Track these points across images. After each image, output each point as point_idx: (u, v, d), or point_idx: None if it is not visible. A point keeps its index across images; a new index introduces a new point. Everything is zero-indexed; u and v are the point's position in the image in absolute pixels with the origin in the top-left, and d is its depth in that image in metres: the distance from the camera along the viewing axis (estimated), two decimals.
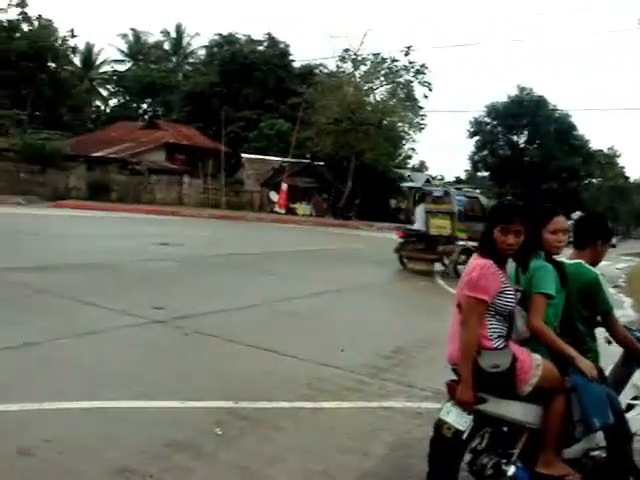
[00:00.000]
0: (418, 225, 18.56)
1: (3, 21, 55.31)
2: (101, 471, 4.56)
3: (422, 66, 53.38)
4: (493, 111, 71.51)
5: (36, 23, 55.53)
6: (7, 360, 6.84)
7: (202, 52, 72.46)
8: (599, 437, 4.30)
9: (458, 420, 3.97)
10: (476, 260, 4.09)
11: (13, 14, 55.42)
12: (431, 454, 4.11)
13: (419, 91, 55.02)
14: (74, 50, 61.09)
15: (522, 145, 72.44)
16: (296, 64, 61.83)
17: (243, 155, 51.65)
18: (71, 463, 4.64)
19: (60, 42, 56.30)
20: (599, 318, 4.54)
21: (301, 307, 11.65)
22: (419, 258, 18.36)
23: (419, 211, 18.82)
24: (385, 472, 4.98)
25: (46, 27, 55.31)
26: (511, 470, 4.05)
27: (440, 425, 4.04)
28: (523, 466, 4.11)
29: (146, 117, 67.63)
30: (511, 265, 4.24)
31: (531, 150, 70.79)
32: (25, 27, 55.22)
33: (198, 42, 75.70)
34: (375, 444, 5.49)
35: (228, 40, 63.91)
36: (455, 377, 4.16)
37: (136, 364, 7.25)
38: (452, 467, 4.02)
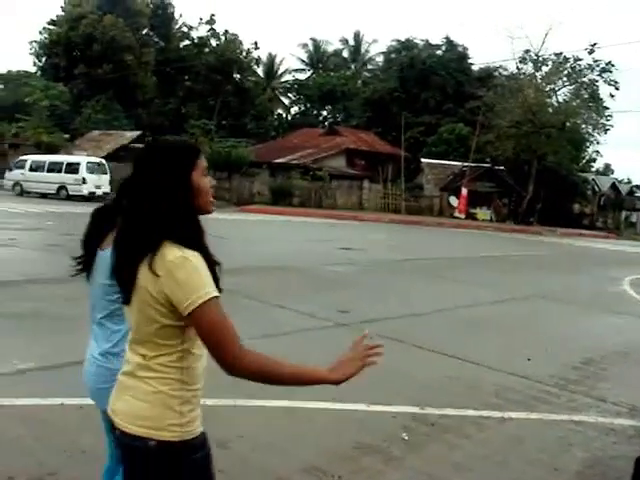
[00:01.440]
0: None
1: (194, 38, 58.52)
2: (292, 469, 4.71)
3: (608, 64, 51.04)
4: None
5: (223, 38, 58.17)
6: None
7: (380, 58, 73.25)
8: None
9: None
10: None
11: (203, 31, 58.58)
12: (636, 476, 3.85)
13: (604, 90, 52.65)
14: (257, 61, 63.52)
15: None
16: (475, 67, 61.08)
17: (422, 160, 51.47)
18: (263, 459, 4.83)
19: (244, 54, 58.68)
20: None
21: (485, 314, 11.49)
22: None
23: None
24: None
25: (232, 41, 57.86)
26: None
27: None
28: None
29: (326, 124, 68.95)
30: None
31: None
32: (213, 42, 58.03)
33: (376, 49, 76.60)
34: (566, 459, 5.32)
35: (406, 45, 64.08)
36: None
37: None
38: None
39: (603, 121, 51.58)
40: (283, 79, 75.67)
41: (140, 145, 42.63)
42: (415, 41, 64.05)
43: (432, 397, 6.54)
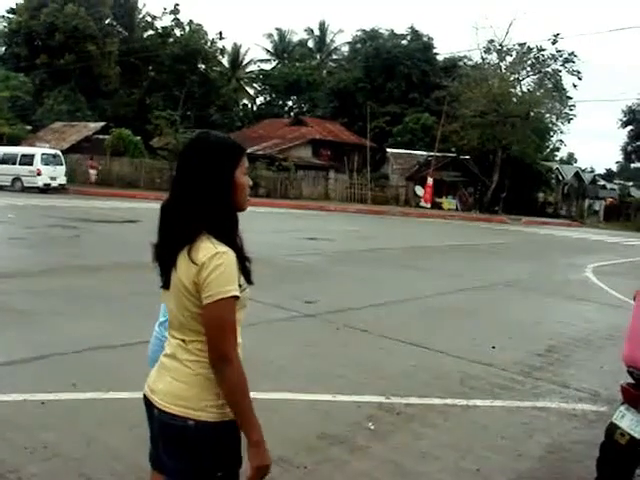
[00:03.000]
0: None
1: (158, 28, 57.97)
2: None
3: (571, 54, 51.52)
4: None
5: (187, 28, 57.69)
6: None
7: (345, 48, 73.05)
8: None
9: (633, 427, 3.76)
10: None
11: (167, 21, 58.05)
12: (601, 460, 3.93)
13: (567, 80, 53.19)
14: (222, 51, 62.93)
15: None
16: (440, 57, 61.08)
17: (388, 150, 51.57)
18: None
19: (209, 44, 58.19)
20: None
21: (450, 303, 11.57)
22: None
23: None
24: (541, 475, 4.88)
25: (196, 31, 57.34)
26: None
27: (613, 430, 3.84)
28: None
29: (292, 114, 68.78)
30: None
31: None
32: (177, 32, 57.52)
33: (341, 39, 76.68)
34: (530, 445, 5.38)
35: (371, 35, 64.01)
36: (631, 379, 3.95)
37: (289, 357, 7.42)
38: (624, 476, 3.83)
39: (566, 111, 52.16)
40: (248, 69, 75.20)
41: (105, 136, 42.41)
42: (380, 31, 64.04)
43: (398, 386, 6.57)
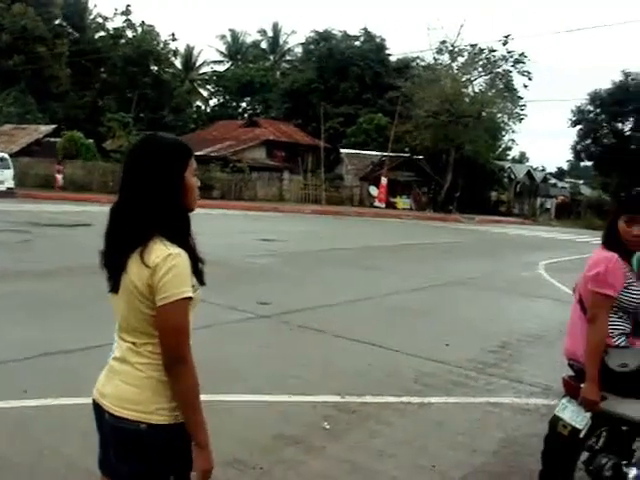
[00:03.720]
0: None
1: (110, 29, 57.38)
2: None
3: (521, 55, 52.19)
4: (596, 98, 69.15)
5: (139, 29, 57.26)
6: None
7: (299, 49, 73.07)
8: None
9: (575, 418, 3.83)
10: (601, 254, 3.87)
11: (119, 22, 57.54)
12: (545, 452, 4.00)
13: (518, 81, 53.88)
14: (175, 53, 62.67)
15: (628, 133, 69.69)
16: (393, 58, 61.51)
17: (342, 150, 51.72)
18: None
19: (162, 46, 57.84)
20: None
21: (405, 302, 11.62)
22: None
23: None
24: (495, 469, 4.93)
25: (148, 32, 56.97)
26: (632, 473, 3.89)
27: (555, 422, 3.92)
28: None
29: (245, 115, 68.61)
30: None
31: (638, 138, 68.21)
32: (129, 34, 57.04)
33: (295, 40, 76.70)
34: (484, 440, 5.44)
35: (324, 37, 64.14)
36: (572, 372, 4.03)
37: (244, 358, 7.38)
38: (567, 466, 3.91)
39: (518, 110, 52.86)
40: (201, 71, 74.87)
41: (56, 139, 41.77)
42: (333, 32, 64.21)
43: (353, 385, 6.58)
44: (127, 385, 2.46)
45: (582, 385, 3.83)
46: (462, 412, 6.14)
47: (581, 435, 3.82)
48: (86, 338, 7.18)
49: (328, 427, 5.46)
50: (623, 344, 3.85)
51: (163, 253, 2.35)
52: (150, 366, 2.44)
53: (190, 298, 2.38)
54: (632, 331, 3.90)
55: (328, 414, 5.73)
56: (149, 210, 2.39)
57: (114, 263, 2.46)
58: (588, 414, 3.81)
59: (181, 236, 2.46)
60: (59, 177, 38.63)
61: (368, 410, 5.96)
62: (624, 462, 3.98)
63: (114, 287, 2.48)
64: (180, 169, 2.46)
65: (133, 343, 2.47)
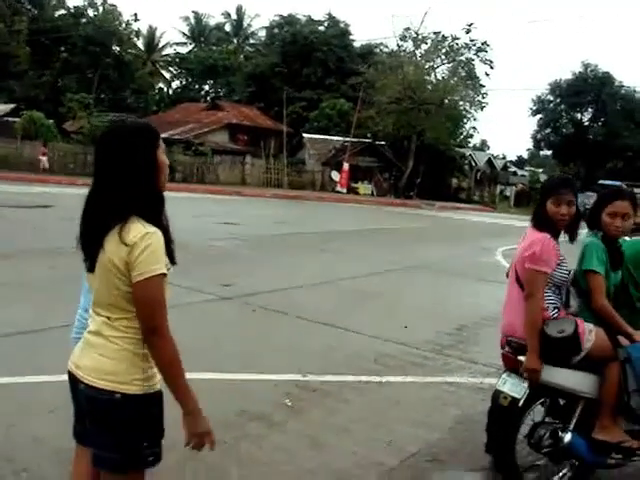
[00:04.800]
0: None
1: (70, 7, 56.55)
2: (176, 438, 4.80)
3: (484, 44, 52.67)
4: (556, 89, 70.00)
5: (101, 8, 56.55)
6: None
7: (262, 33, 72.88)
8: None
9: (514, 389, 4.12)
10: (534, 234, 4.20)
11: (79, 0, 56.82)
12: (489, 424, 4.29)
13: (481, 69, 54.52)
14: (137, 34, 62.11)
15: (586, 123, 70.78)
16: (356, 44, 61.69)
17: (305, 135, 51.78)
18: None
19: (124, 26, 57.24)
20: None
21: (365, 285, 11.82)
22: None
23: None
24: (450, 444, 5.13)
25: (110, 12, 56.33)
26: (567, 437, 4.18)
27: (497, 395, 4.21)
28: (580, 434, 4.23)
29: (208, 98, 68.28)
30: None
31: (595, 128, 69.13)
32: (91, 12, 56.33)
33: (258, 23, 76.67)
34: (440, 417, 5.65)
35: (288, 21, 63.99)
36: (509, 348, 4.30)
37: (207, 339, 7.50)
38: (510, 434, 4.19)
39: (479, 98, 53.33)
40: (164, 52, 74.27)
41: (15, 119, 41.13)
42: (297, 16, 64.10)
43: (314, 365, 6.75)
44: (103, 357, 2.60)
45: (520, 358, 4.14)
46: (419, 391, 6.35)
47: (520, 404, 4.11)
48: (48, 318, 7.23)
49: (289, 404, 5.63)
50: (556, 316, 4.18)
51: (141, 232, 2.49)
52: (125, 339, 2.59)
53: (164, 274, 2.52)
54: (562, 304, 4.25)
55: (289, 392, 5.90)
56: (125, 191, 2.52)
57: (91, 243, 2.59)
58: (526, 384, 4.11)
59: (156, 215, 2.60)
60: (44, 159, 37.87)
61: (328, 388, 6.13)
62: (559, 426, 4.28)
63: (91, 267, 2.62)
64: (151, 150, 2.60)
65: (108, 317, 2.60)
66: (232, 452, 4.66)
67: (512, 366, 4.23)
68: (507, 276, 4.49)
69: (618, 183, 33.46)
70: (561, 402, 4.43)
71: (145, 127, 2.68)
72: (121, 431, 2.58)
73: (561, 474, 4.42)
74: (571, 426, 4.25)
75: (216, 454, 4.57)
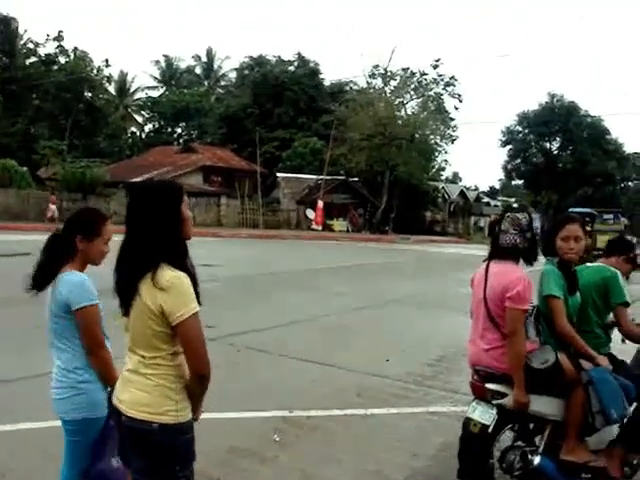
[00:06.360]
0: None
1: (42, 55, 56.68)
2: None
3: (452, 78, 53.73)
4: (524, 119, 71.24)
5: (72, 55, 56.76)
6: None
7: (233, 75, 73.64)
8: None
9: (483, 416, 4.36)
10: (514, 273, 4.40)
11: (50, 48, 56.92)
12: (461, 450, 4.48)
13: (450, 103, 55.37)
14: (109, 79, 62.18)
15: (555, 152, 71.99)
16: (327, 82, 62.44)
17: (278, 174, 52.12)
18: None
19: (95, 72, 57.43)
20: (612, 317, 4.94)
21: (345, 321, 12.02)
22: None
23: None
24: (434, 471, 5.34)
25: (82, 58, 56.50)
26: (537, 460, 4.40)
27: (467, 423, 4.44)
28: (548, 456, 4.44)
29: (181, 141, 68.56)
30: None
31: (564, 156, 70.36)
32: (62, 60, 56.49)
33: (229, 65, 76.91)
34: (424, 445, 5.86)
35: (258, 62, 64.72)
36: (477, 377, 4.53)
37: None
38: (481, 460, 4.39)
39: (450, 132, 54.17)
40: (136, 97, 74.43)
41: None
42: (267, 57, 64.90)
43: (300, 401, 6.93)
44: (140, 392, 2.94)
45: (487, 385, 4.39)
46: (403, 421, 6.55)
47: (489, 430, 4.33)
48: (28, 366, 7.31)
49: (278, 439, 5.80)
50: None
51: (172, 276, 2.82)
52: (159, 375, 2.93)
53: (198, 311, 2.89)
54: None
55: (277, 427, 6.08)
56: (155, 242, 2.86)
57: (127, 289, 2.91)
58: (494, 411, 4.34)
59: (182, 261, 2.94)
60: (52, 208, 37.40)
61: (315, 422, 6.32)
62: (529, 449, 4.50)
63: (126, 311, 2.95)
64: (177, 205, 2.94)
65: (142, 357, 2.94)
66: None
67: (480, 394, 4.46)
68: (471, 315, 4.73)
69: (588, 210, 34.09)
70: (531, 427, 4.65)
71: (172, 184, 3.05)
72: (157, 456, 2.92)
73: None
74: (540, 449, 4.48)
75: None
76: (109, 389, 3.56)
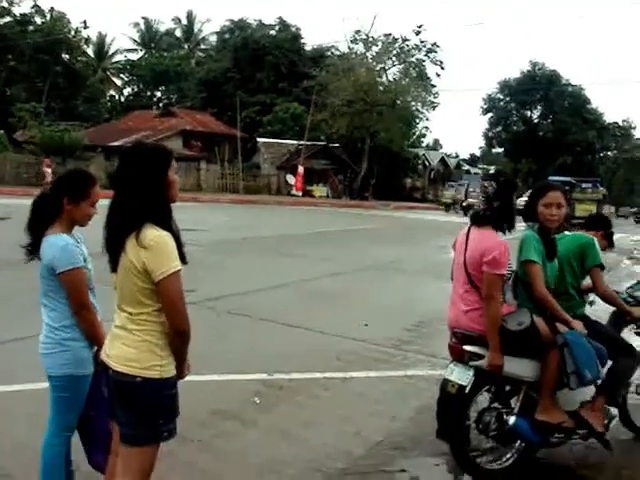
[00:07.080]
0: None
1: (17, 15, 55.59)
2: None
3: (434, 45, 53.56)
4: (506, 87, 71.35)
5: (49, 16, 55.81)
6: None
7: (214, 38, 72.76)
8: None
9: (460, 377, 4.45)
10: (491, 239, 4.50)
11: (26, 7, 55.84)
12: (439, 411, 4.58)
13: (431, 70, 55.32)
14: (87, 41, 61.35)
15: (536, 120, 72.27)
16: (308, 47, 61.95)
17: (259, 139, 51.96)
18: None
19: (73, 34, 56.50)
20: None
21: (325, 286, 12.12)
22: None
23: None
24: (411, 432, 5.45)
25: (59, 19, 55.55)
26: (512, 420, 4.50)
27: (445, 384, 4.53)
28: (523, 416, 4.55)
29: (161, 105, 67.90)
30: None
31: (545, 125, 70.66)
32: (38, 20, 55.51)
33: (209, 28, 76.42)
34: (402, 408, 5.97)
35: (239, 25, 64.09)
36: (455, 339, 4.62)
37: None
38: (458, 420, 4.51)
39: (431, 99, 54.13)
40: (115, 59, 73.46)
41: None
42: (248, 21, 64.26)
43: (280, 364, 7.00)
44: (127, 347, 3.06)
45: (465, 347, 4.48)
46: (381, 384, 6.65)
47: (466, 391, 4.44)
48: (19, 328, 7.33)
49: (259, 402, 5.89)
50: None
51: (155, 235, 2.95)
52: (145, 331, 3.05)
53: (180, 270, 3.00)
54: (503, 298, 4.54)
55: (258, 390, 6.16)
56: (142, 202, 2.98)
57: (114, 246, 3.05)
58: (471, 372, 4.44)
59: (167, 222, 3.06)
60: (48, 171, 36.73)
61: (294, 386, 6.41)
62: (505, 411, 4.61)
63: (114, 268, 3.09)
64: (164, 169, 3.08)
65: (130, 313, 3.07)
66: (208, 449, 4.91)
67: (458, 356, 4.55)
68: (451, 278, 4.86)
69: (567, 179, 34.28)
70: (507, 389, 4.75)
71: (160, 149, 3.20)
72: (141, 409, 3.05)
73: (509, 455, 4.73)
74: (515, 410, 4.58)
75: (193, 451, 4.86)
76: (95, 349, 3.64)
